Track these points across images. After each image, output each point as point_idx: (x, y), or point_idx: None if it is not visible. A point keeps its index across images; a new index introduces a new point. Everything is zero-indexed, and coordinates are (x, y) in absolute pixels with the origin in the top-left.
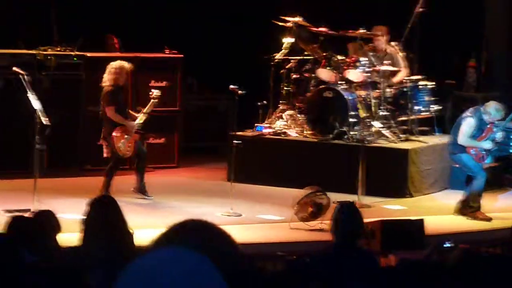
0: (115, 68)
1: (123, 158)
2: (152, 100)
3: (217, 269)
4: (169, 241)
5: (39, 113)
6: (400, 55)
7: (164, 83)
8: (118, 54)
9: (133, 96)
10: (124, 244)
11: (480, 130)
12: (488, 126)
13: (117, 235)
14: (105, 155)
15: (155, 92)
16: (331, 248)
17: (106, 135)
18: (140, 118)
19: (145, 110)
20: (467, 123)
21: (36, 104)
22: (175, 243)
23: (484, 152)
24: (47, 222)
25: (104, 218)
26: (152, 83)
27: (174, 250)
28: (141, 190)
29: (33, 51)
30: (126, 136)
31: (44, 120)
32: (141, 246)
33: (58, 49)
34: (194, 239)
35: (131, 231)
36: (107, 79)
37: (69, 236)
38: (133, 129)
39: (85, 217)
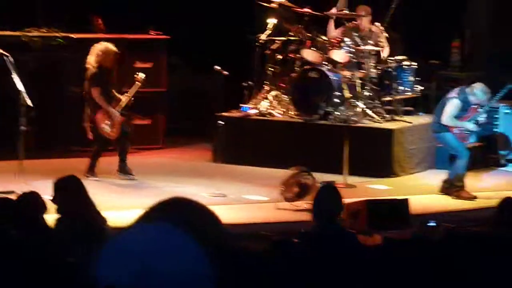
0: (100, 50)
1: (108, 139)
2: (136, 83)
3: (200, 246)
4: (153, 218)
5: (23, 95)
6: (383, 35)
7: (149, 64)
8: (103, 35)
9: (118, 77)
10: (95, 222)
11: (464, 111)
12: (473, 106)
13: (85, 213)
14: (89, 136)
15: (140, 75)
16: (313, 228)
17: (90, 116)
18: (123, 100)
19: (128, 93)
20: (452, 104)
21: (20, 85)
22: (158, 220)
23: (467, 132)
24: (31, 203)
25: (69, 198)
26: (137, 64)
27: (157, 227)
28: (124, 171)
29: (18, 33)
30: (110, 118)
31: (28, 102)
32: (122, 226)
33: (43, 30)
34: (177, 216)
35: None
36: (92, 61)
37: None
38: (115, 117)
39: (52, 198)
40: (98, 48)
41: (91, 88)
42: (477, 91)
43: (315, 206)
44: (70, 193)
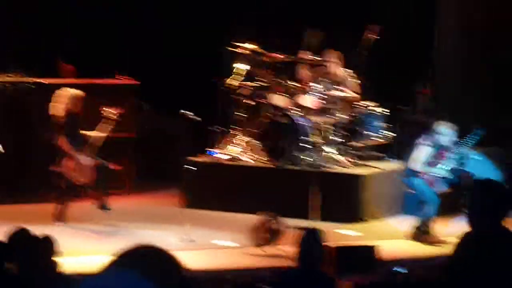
0: (67, 98)
1: (78, 185)
2: (105, 120)
3: None
4: (118, 266)
5: None
6: (351, 81)
7: (118, 110)
8: (72, 80)
9: (88, 121)
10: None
11: (433, 156)
12: (440, 152)
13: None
14: (53, 183)
15: (107, 111)
16: (293, 273)
17: (60, 163)
18: (94, 142)
19: (98, 132)
20: (421, 150)
21: None
22: (124, 268)
23: (436, 178)
24: None
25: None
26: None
27: (121, 275)
28: (103, 206)
29: None
30: (79, 164)
31: None
32: (91, 273)
33: (11, 75)
34: (142, 264)
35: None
36: (59, 109)
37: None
38: (86, 163)
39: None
40: (64, 95)
41: (58, 138)
42: (443, 129)
43: (299, 252)
44: (21, 245)
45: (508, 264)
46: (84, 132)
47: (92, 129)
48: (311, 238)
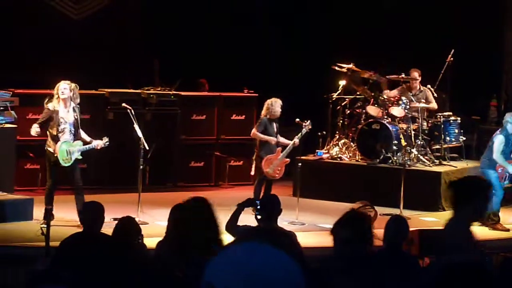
0: (267, 104)
1: (271, 178)
2: (303, 130)
3: (293, 260)
4: (248, 239)
5: (142, 140)
6: (432, 94)
7: (243, 117)
8: (206, 93)
9: (218, 126)
10: (213, 237)
11: (508, 144)
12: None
13: (207, 229)
14: (251, 173)
15: (307, 122)
16: (382, 252)
17: (255, 157)
18: (291, 144)
19: (296, 137)
20: (498, 140)
21: (140, 133)
22: (253, 241)
23: (507, 174)
24: (127, 226)
25: (194, 215)
26: (233, 117)
27: (256, 244)
28: None
29: (139, 91)
30: (275, 161)
31: (146, 146)
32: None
33: (159, 89)
34: (269, 238)
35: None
36: (263, 110)
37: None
38: (273, 142)
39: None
40: (267, 101)
41: (253, 130)
42: (510, 118)
43: (386, 234)
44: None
45: None
46: (282, 140)
47: (221, 132)
48: (396, 223)
